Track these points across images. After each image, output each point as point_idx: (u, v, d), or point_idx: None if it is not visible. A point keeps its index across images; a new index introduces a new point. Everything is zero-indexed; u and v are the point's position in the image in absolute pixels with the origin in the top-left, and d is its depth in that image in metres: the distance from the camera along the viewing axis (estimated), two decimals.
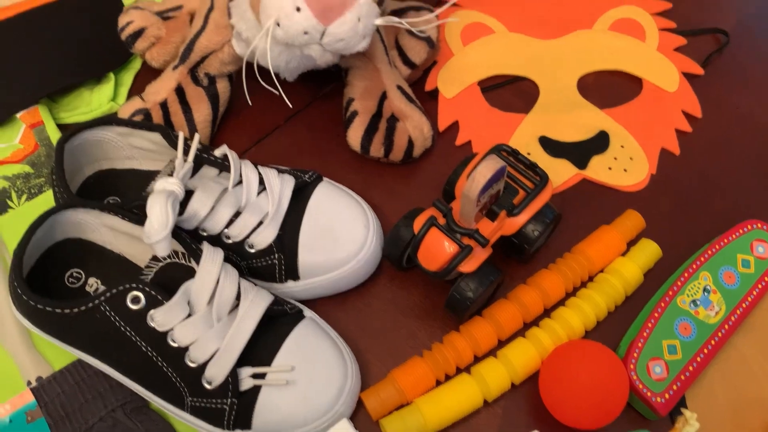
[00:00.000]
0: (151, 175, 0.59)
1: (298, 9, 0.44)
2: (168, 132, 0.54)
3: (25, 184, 0.62)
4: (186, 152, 0.52)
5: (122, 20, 0.63)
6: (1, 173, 0.62)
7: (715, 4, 0.72)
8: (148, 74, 0.67)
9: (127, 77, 0.68)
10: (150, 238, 0.45)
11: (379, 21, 0.48)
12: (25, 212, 0.60)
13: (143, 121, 0.56)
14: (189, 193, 0.52)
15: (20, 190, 0.61)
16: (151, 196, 0.46)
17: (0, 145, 0.64)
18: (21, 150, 0.63)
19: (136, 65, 0.68)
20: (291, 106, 0.57)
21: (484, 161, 0.46)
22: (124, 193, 0.58)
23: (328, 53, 0.49)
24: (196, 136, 0.52)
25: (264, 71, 0.51)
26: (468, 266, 0.50)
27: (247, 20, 0.52)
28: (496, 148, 0.54)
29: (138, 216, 0.50)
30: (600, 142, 0.63)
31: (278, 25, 0.45)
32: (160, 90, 0.60)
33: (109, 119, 0.55)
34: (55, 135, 0.63)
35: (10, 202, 0.61)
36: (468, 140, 0.64)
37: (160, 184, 0.48)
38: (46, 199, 0.61)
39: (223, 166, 0.53)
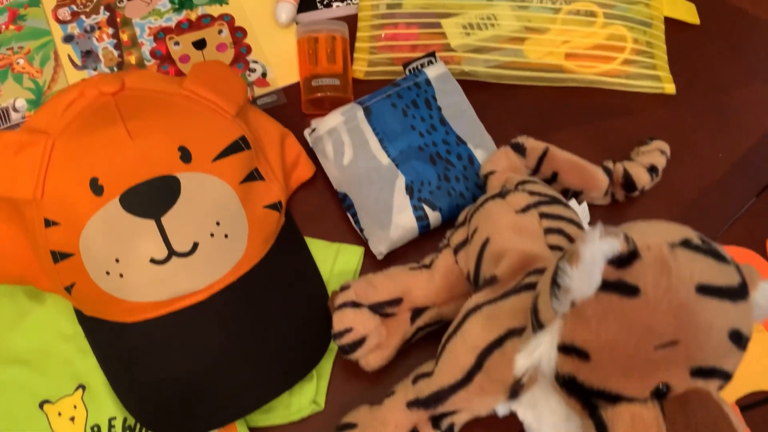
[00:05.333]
0: None
1: None
2: None
3: None
4: None
5: (338, 324, 0.54)
6: None
7: None
8: (350, 363, 0.58)
9: (325, 366, 0.58)
10: None
11: None
12: None
13: None
14: None
15: None
16: None
17: None
18: None
19: (333, 347, 0.59)
20: None
21: None
22: None
23: None
24: None
25: None
26: None
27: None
28: None
29: None
30: None
31: None
32: (389, 424, 0.51)
33: None
34: None
35: None
36: None
37: None
38: None
39: None
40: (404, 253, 0.64)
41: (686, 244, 0.38)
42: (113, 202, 0.53)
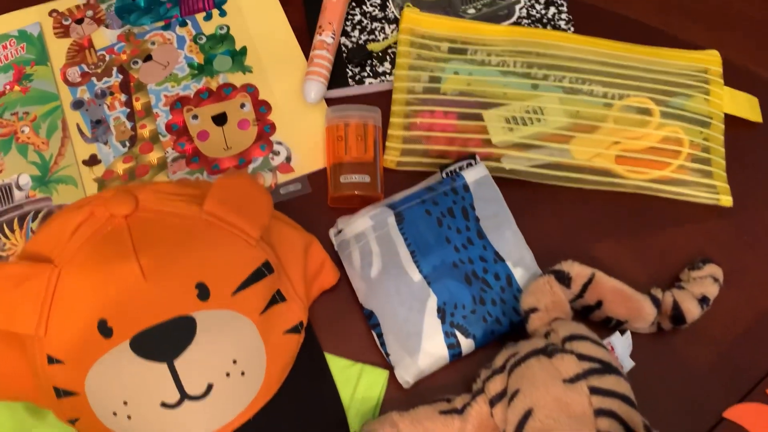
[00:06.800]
0: None
1: None
2: None
3: None
4: None
5: None
6: None
7: None
8: None
9: None
10: None
11: None
12: None
13: None
14: None
15: None
16: None
17: None
18: None
19: None
20: None
21: None
22: None
23: None
24: None
25: None
26: None
27: None
28: None
29: None
30: None
31: None
32: None
33: None
34: None
35: None
36: None
37: None
38: None
39: None
40: (432, 376, 0.60)
41: None
42: (123, 345, 0.48)
